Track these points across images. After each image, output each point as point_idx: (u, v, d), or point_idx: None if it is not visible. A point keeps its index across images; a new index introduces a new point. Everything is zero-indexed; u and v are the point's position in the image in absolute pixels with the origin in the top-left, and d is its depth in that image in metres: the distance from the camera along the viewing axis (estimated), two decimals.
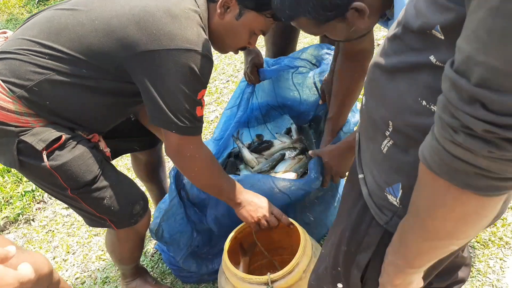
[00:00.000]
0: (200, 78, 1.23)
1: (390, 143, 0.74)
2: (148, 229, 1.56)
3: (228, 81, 3.33)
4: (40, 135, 1.22)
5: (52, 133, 1.24)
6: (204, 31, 1.26)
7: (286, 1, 1.05)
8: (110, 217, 1.39)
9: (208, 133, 2.75)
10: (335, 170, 1.59)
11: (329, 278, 0.99)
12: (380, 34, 3.38)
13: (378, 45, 2.94)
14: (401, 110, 0.69)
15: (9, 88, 1.19)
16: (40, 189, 2.51)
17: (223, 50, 1.46)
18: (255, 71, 1.92)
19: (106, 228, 1.49)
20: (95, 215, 1.37)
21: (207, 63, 1.24)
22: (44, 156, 1.23)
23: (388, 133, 0.74)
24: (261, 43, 3.60)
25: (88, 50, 1.20)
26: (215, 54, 3.76)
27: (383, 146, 0.76)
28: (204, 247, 1.71)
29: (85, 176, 1.28)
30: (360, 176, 0.88)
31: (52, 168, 1.24)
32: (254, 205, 1.43)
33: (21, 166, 1.26)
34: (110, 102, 1.31)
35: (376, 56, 0.75)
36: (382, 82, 0.73)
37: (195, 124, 1.28)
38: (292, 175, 1.75)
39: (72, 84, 1.22)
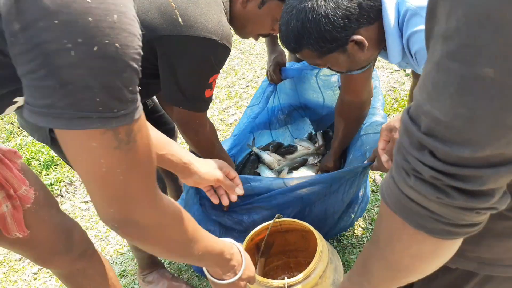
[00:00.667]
0: (214, 66, 1.27)
1: None
2: None
3: (248, 86, 3.35)
4: None
5: None
6: (226, 17, 1.28)
7: (290, 34, 1.16)
8: None
9: (227, 135, 2.77)
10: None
11: None
12: None
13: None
14: None
15: None
16: (58, 183, 2.59)
17: (244, 36, 1.50)
18: (277, 70, 1.94)
19: None
20: None
21: (224, 52, 1.27)
22: None
23: None
24: None
25: None
26: (235, 59, 3.80)
27: None
28: (237, 224, 1.67)
29: None
30: None
31: None
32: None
33: (52, 143, 1.30)
34: None
35: None
36: None
37: (201, 103, 1.36)
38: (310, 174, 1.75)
39: None
